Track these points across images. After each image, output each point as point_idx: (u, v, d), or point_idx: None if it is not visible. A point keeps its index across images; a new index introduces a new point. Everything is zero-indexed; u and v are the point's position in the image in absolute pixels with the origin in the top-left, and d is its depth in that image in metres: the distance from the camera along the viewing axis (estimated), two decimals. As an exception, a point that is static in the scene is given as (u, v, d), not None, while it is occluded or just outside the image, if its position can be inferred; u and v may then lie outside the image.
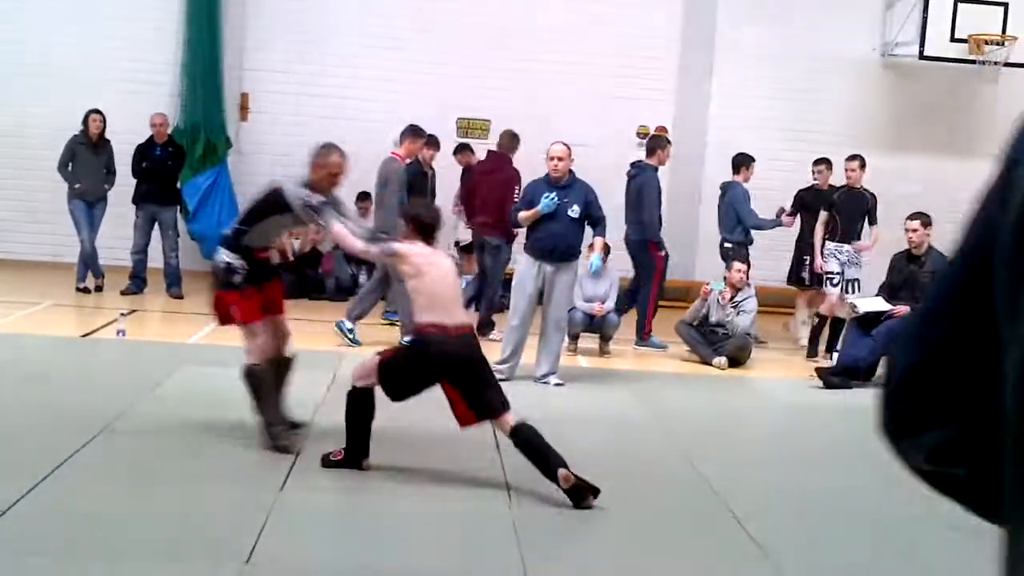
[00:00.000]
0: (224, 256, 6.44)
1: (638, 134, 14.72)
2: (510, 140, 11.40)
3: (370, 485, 5.89)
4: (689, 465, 6.64)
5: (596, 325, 10.39)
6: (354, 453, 6.00)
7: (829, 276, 11.04)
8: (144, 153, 12.35)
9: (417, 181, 11.03)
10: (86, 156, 12.11)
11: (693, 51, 14.74)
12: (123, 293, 11.86)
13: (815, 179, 11.81)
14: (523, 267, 8.85)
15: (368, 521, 5.33)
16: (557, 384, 8.76)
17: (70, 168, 12.11)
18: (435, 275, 5.96)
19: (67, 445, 6.08)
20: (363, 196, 13.83)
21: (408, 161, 10.78)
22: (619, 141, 14.58)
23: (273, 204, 6.42)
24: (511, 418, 5.83)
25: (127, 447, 6.33)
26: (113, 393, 7.39)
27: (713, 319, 10.31)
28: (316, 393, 7.81)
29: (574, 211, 8.61)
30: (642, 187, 10.79)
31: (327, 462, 6.01)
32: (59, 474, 5.62)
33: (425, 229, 6.12)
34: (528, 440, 5.77)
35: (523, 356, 8.85)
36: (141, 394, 7.42)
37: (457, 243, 12.77)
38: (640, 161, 11.13)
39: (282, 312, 6.75)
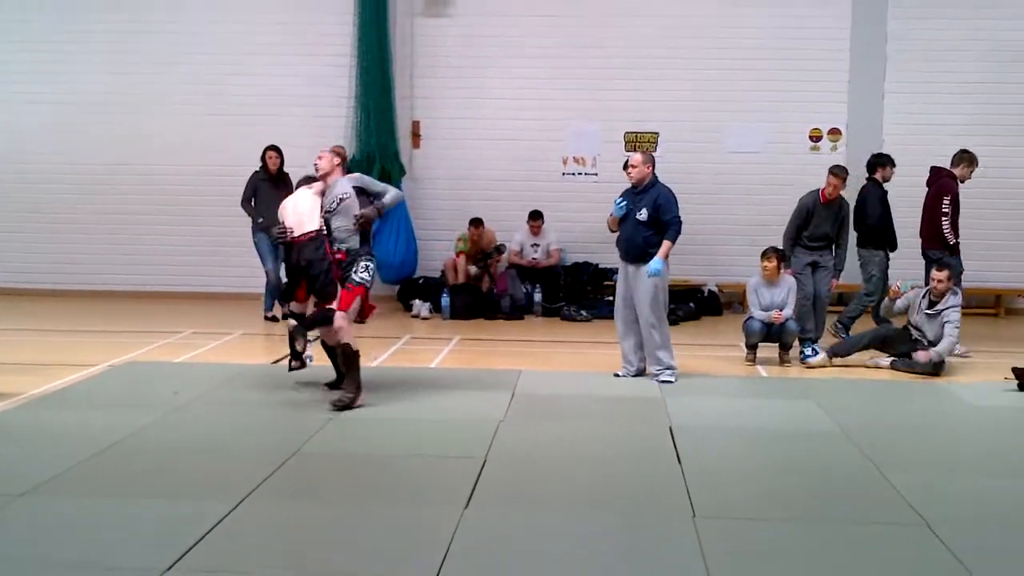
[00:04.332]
0: None
1: (811, 137, 14.44)
2: (958, 157, 11.32)
3: (553, 503, 5.91)
4: (880, 476, 6.43)
5: (774, 333, 10.19)
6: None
7: None
8: (324, 184, 12.76)
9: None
10: (267, 191, 12.53)
11: (864, 49, 14.34)
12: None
13: None
14: (619, 271, 9.40)
15: (553, 539, 5.33)
16: (664, 381, 9.06)
17: (253, 203, 12.58)
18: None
19: (263, 468, 6.34)
20: (535, 215, 13.98)
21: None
22: (791, 146, 14.33)
23: None
24: None
25: (318, 468, 6.53)
26: (302, 415, 7.65)
27: (914, 321, 10.01)
28: (497, 410, 7.91)
29: (642, 215, 9.05)
30: None
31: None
32: (255, 496, 5.85)
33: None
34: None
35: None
36: (329, 416, 7.65)
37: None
38: None
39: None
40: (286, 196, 12.46)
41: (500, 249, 13.93)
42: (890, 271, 11.33)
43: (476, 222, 13.88)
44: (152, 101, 14.69)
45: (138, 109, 14.70)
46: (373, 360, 10.23)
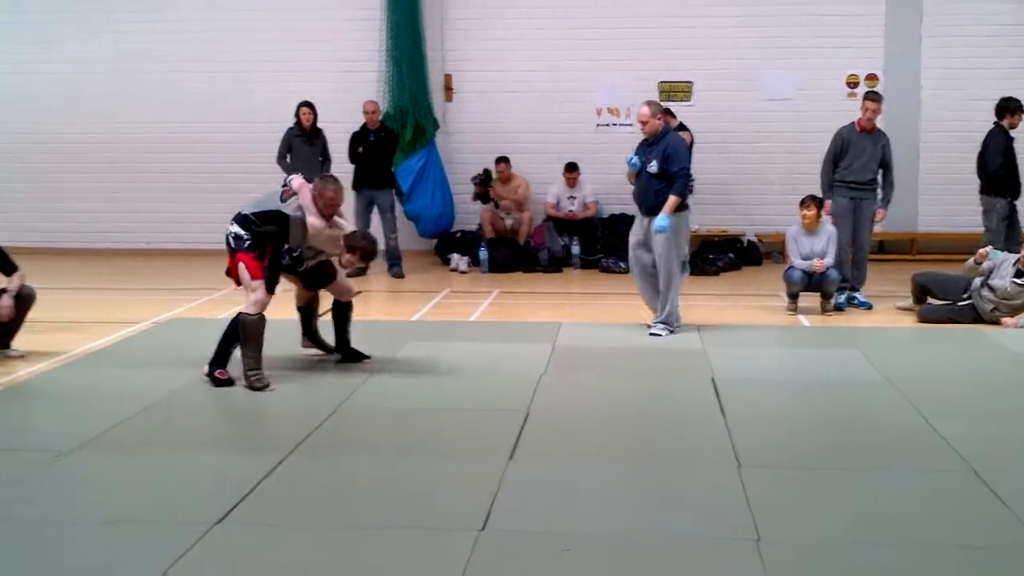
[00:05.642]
0: None
1: (848, 83, 14.23)
2: None
3: (598, 455, 5.92)
4: (925, 423, 6.38)
5: (815, 283, 10.10)
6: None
7: None
8: (359, 139, 12.78)
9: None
10: (301, 147, 12.58)
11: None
12: (348, 275, 12.25)
13: None
14: (635, 222, 9.35)
15: (598, 487, 5.35)
16: (653, 334, 8.96)
17: (288, 159, 12.59)
18: None
19: (307, 423, 6.37)
20: (570, 167, 13.91)
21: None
22: (828, 93, 14.13)
23: None
24: None
25: (362, 423, 6.57)
26: (345, 371, 7.69)
27: (994, 283, 9.66)
28: (538, 363, 7.91)
29: (652, 167, 8.92)
30: None
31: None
32: (301, 450, 5.89)
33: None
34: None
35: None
36: (372, 371, 7.69)
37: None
38: None
39: None
40: (320, 152, 12.63)
41: (488, 175, 13.87)
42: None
43: (502, 159, 13.87)
44: (186, 59, 14.67)
45: (172, 68, 14.69)
46: (413, 314, 10.28)
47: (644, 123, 9.00)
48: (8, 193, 14.95)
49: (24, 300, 8.24)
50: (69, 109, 14.86)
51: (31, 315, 8.35)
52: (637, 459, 5.85)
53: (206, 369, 7.35)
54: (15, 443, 6.16)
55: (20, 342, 8.31)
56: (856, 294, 10.54)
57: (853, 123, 10.53)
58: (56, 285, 10.89)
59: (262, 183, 13.65)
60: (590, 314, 10.36)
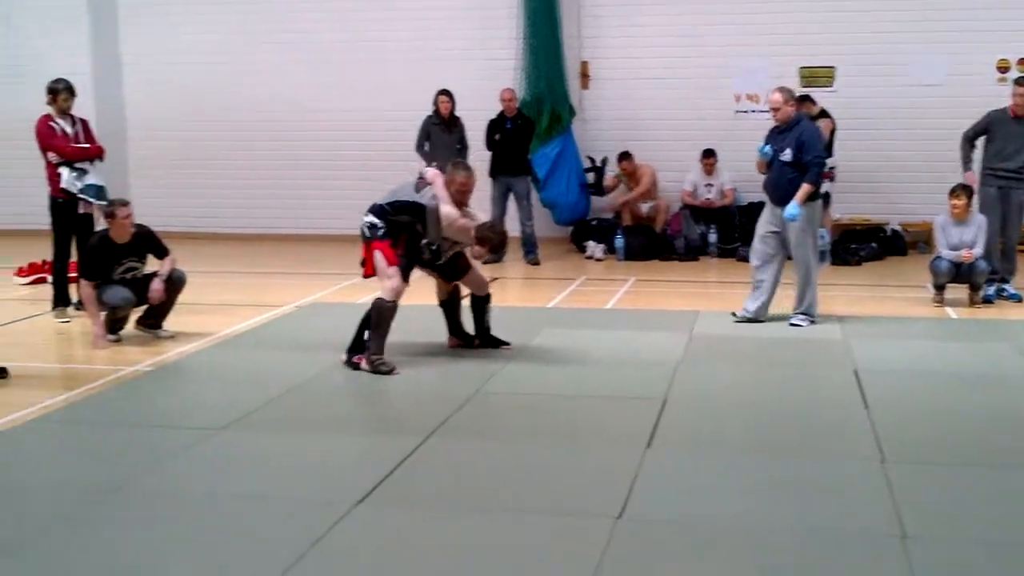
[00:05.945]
0: None
1: (998, 68, 13.70)
2: None
3: (737, 445, 5.87)
4: (1082, 420, 6.15)
5: (964, 274, 9.79)
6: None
7: None
8: (496, 127, 12.86)
9: None
10: (439, 135, 12.71)
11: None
12: (484, 263, 12.36)
13: None
14: (764, 210, 9.14)
15: (736, 479, 5.29)
16: (793, 324, 8.83)
17: (426, 148, 12.74)
18: None
19: (445, 407, 6.45)
20: (708, 154, 13.75)
21: None
22: (978, 78, 13.64)
23: None
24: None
25: (499, 408, 6.63)
26: (483, 357, 7.76)
27: None
28: (675, 351, 7.85)
29: (785, 155, 8.74)
30: None
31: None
32: (440, 433, 5.96)
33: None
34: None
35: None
36: (509, 357, 7.74)
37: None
38: None
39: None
40: (458, 140, 12.75)
41: (604, 161, 13.89)
42: None
43: (624, 155, 13.80)
44: (329, 49, 14.97)
45: (317, 57, 15.01)
46: (549, 302, 10.32)
47: (776, 110, 8.83)
48: (162, 179, 15.47)
49: (175, 283, 8.55)
50: (219, 97, 15.31)
51: (181, 298, 8.67)
52: (776, 450, 5.76)
53: (344, 356, 7.51)
54: (167, 421, 6.41)
55: (170, 323, 8.64)
56: (1006, 286, 10.18)
57: (1006, 108, 10.17)
58: (205, 269, 11.24)
59: (402, 171, 13.94)
60: (727, 303, 10.18)
